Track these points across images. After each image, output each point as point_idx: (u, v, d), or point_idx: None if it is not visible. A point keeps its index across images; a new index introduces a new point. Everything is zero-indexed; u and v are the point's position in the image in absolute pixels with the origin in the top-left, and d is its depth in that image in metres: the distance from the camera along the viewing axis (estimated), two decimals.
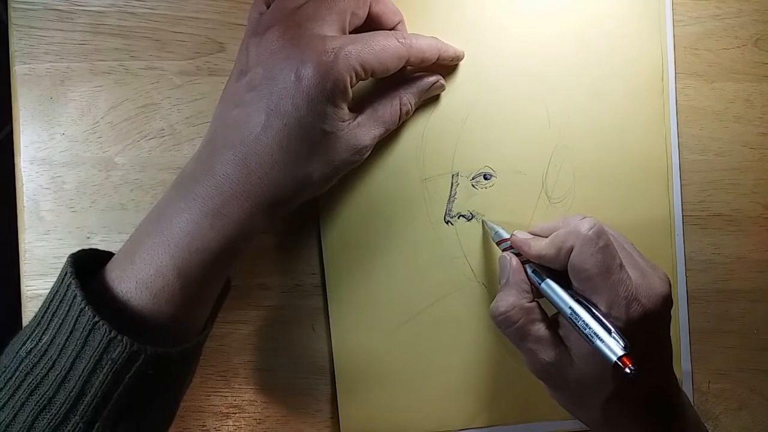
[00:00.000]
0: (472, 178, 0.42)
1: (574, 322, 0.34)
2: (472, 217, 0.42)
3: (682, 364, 0.45)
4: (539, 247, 0.36)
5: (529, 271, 0.37)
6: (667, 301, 0.35)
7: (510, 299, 0.36)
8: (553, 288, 0.36)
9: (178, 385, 0.34)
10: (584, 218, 0.35)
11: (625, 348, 0.32)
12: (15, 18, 0.40)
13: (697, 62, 0.46)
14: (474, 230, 0.42)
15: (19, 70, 0.40)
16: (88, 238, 0.40)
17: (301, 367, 0.42)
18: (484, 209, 0.43)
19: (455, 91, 0.42)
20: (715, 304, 0.46)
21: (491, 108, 0.42)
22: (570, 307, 0.34)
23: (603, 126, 0.44)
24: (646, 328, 0.34)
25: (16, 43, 0.40)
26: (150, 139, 0.41)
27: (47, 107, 0.40)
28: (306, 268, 0.42)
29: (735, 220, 0.46)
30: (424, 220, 0.42)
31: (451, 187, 0.42)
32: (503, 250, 0.40)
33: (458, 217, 0.42)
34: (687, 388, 0.45)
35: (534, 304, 0.37)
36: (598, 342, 0.32)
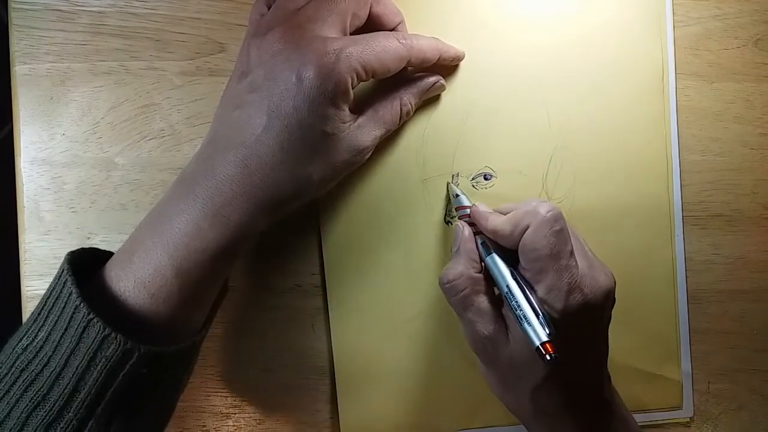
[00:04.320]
0: (473, 179, 0.42)
1: (509, 301, 0.35)
2: None
3: (682, 364, 0.45)
4: (496, 222, 0.37)
5: (479, 242, 0.38)
6: (608, 295, 0.36)
7: (459, 268, 0.37)
8: (496, 263, 0.36)
9: (173, 384, 0.34)
10: (545, 201, 0.36)
11: (549, 335, 0.32)
12: (15, 18, 0.40)
13: (698, 63, 0.46)
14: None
15: (19, 70, 0.40)
16: (88, 238, 0.40)
17: (301, 367, 0.42)
18: None
19: (455, 92, 0.42)
20: (715, 304, 0.46)
21: (491, 108, 0.42)
22: (507, 285, 0.35)
23: (603, 126, 0.44)
24: (583, 320, 0.34)
25: (17, 44, 0.40)
26: (150, 139, 0.41)
27: (47, 107, 0.40)
28: (306, 269, 0.42)
29: (735, 221, 0.46)
30: (424, 220, 0.42)
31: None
32: (459, 218, 0.40)
33: (458, 218, 0.42)
34: (687, 388, 0.45)
35: (481, 275, 0.37)
36: (525, 324, 0.33)
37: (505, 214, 0.37)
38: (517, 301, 0.34)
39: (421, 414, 0.43)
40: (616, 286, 0.37)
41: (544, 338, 0.32)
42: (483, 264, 0.37)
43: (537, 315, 0.33)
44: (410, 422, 0.43)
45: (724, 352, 0.46)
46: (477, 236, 0.38)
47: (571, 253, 0.34)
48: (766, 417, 0.47)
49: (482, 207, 0.39)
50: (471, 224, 0.39)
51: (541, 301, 0.34)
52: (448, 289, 0.37)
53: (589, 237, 0.41)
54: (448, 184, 0.42)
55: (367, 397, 0.42)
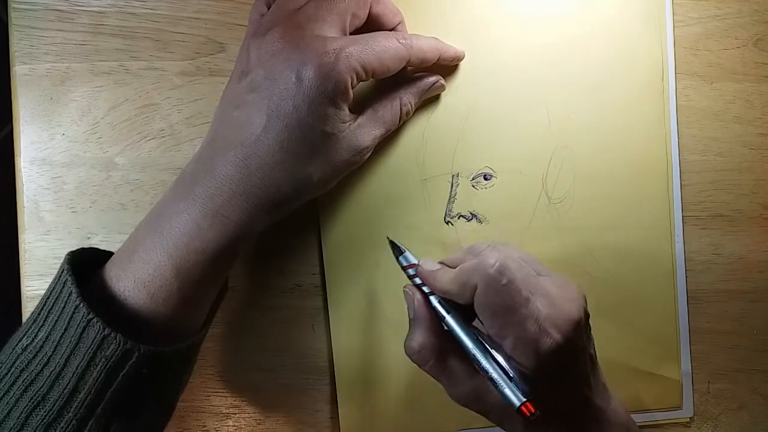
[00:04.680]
0: (473, 179, 0.42)
1: (477, 365, 0.33)
2: (473, 217, 0.42)
3: (682, 364, 0.45)
4: (444, 281, 0.35)
5: (435, 302, 0.36)
6: (578, 324, 0.34)
7: (419, 339, 0.35)
8: (453, 327, 0.35)
9: (173, 384, 0.34)
10: (490, 249, 0.34)
11: (525, 394, 0.32)
12: (15, 18, 0.40)
13: (697, 63, 0.46)
14: (474, 231, 0.42)
15: (19, 70, 0.40)
16: (88, 238, 0.40)
17: (301, 367, 0.42)
18: (485, 210, 0.43)
19: (455, 92, 0.42)
20: (715, 304, 0.46)
21: (491, 108, 0.42)
22: (472, 353, 0.34)
23: (603, 126, 0.44)
24: (560, 358, 0.33)
25: (17, 44, 0.40)
26: (150, 139, 0.41)
27: (47, 107, 0.40)
28: (306, 268, 0.42)
29: (735, 221, 0.46)
30: (424, 220, 0.42)
31: (452, 188, 0.42)
32: (409, 277, 0.37)
33: (458, 218, 0.42)
34: (687, 387, 0.45)
35: (444, 337, 0.35)
36: (501, 388, 0.32)
37: (452, 267, 0.35)
38: (484, 368, 0.33)
39: (421, 414, 0.43)
40: (586, 302, 0.35)
41: (518, 403, 0.31)
42: (443, 324, 0.36)
43: (510, 378, 0.32)
44: (410, 422, 0.43)
45: (724, 352, 0.46)
46: (431, 296, 0.36)
47: (527, 300, 0.32)
48: (766, 417, 0.47)
49: (428, 265, 0.37)
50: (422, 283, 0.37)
51: (509, 358, 0.33)
52: (416, 360, 0.36)
53: (590, 237, 0.41)
54: (388, 239, 0.39)
55: (367, 397, 0.42)
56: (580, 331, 0.34)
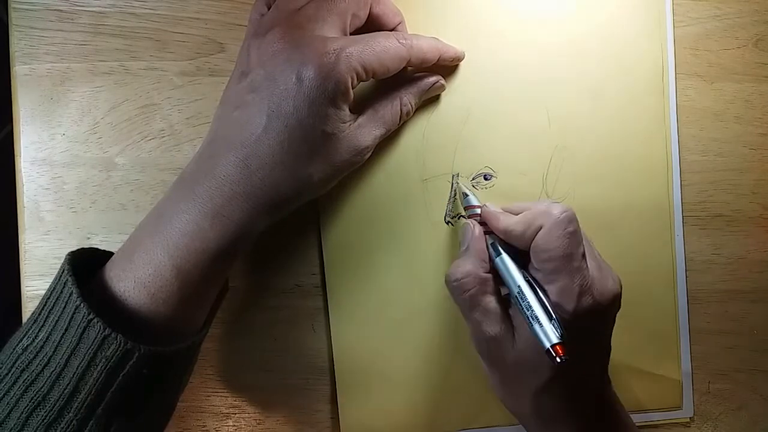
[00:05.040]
0: (473, 179, 0.42)
1: (519, 302, 0.34)
2: None
3: (683, 363, 0.45)
4: (508, 222, 0.36)
5: (488, 242, 0.38)
6: (616, 300, 0.36)
7: (467, 267, 0.36)
8: (506, 264, 0.36)
9: (174, 384, 0.34)
10: (557, 203, 0.36)
11: (561, 337, 0.32)
12: (15, 18, 0.40)
13: (698, 63, 0.46)
14: None
15: (19, 70, 0.40)
16: (88, 238, 0.40)
17: (301, 367, 0.42)
18: None
19: (456, 92, 0.42)
20: (715, 304, 0.46)
21: (492, 108, 0.42)
22: (519, 286, 0.35)
23: (603, 126, 0.44)
24: (592, 323, 0.34)
25: (17, 44, 0.40)
26: (150, 139, 0.41)
27: (47, 108, 0.40)
28: (306, 269, 0.42)
29: (735, 221, 0.46)
30: (424, 220, 0.42)
31: (452, 188, 0.42)
32: (469, 216, 0.40)
33: (458, 218, 0.42)
34: (687, 387, 0.45)
35: (489, 275, 0.37)
36: (537, 326, 0.33)
37: (515, 214, 0.37)
38: (528, 302, 0.34)
39: (422, 414, 0.43)
40: (622, 291, 0.37)
41: (555, 340, 0.32)
42: (491, 264, 0.37)
43: (549, 316, 0.33)
44: (410, 422, 0.43)
45: (724, 352, 0.46)
46: (486, 236, 0.38)
47: (583, 255, 0.34)
48: (766, 417, 0.47)
49: (492, 207, 0.39)
50: (481, 224, 0.39)
51: (551, 303, 0.34)
52: (455, 287, 0.37)
53: (590, 237, 0.41)
54: (457, 183, 0.42)
55: (367, 397, 0.42)
56: (614, 308, 0.36)
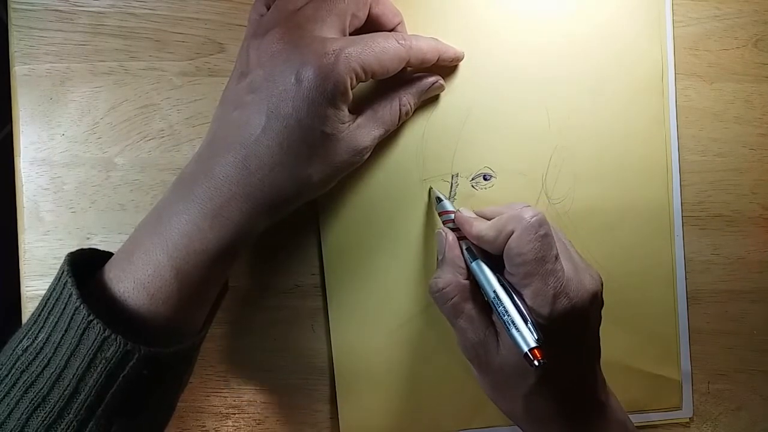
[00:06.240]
0: (472, 179, 0.42)
1: (496, 307, 0.34)
2: None
3: (682, 364, 0.45)
4: (480, 227, 0.36)
5: (464, 248, 0.38)
6: (595, 298, 0.35)
7: (447, 276, 0.37)
8: (482, 269, 0.36)
9: (174, 385, 0.34)
10: (528, 206, 0.36)
11: (538, 341, 0.32)
12: (15, 18, 0.40)
13: (697, 63, 0.46)
14: None
15: (19, 70, 0.40)
16: (88, 238, 0.40)
17: (300, 368, 0.42)
18: None
19: (455, 92, 0.42)
20: (715, 304, 0.46)
21: (491, 108, 0.42)
22: (494, 291, 0.35)
23: (603, 127, 0.44)
24: (571, 324, 0.34)
25: (16, 44, 0.40)
26: (150, 139, 0.41)
27: (47, 108, 0.40)
28: (306, 269, 0.42)
29: (735, 221, 0.46)
30: (423, 220, 0.42)
31: (451, 188, 0.42)
32: (444, 222, 0.40)
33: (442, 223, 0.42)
34: (687, 388, 0.45)
35: (468, 282, 0.37)
36: (514, 331, 0.33)
37: (488, 219, 0.37)
38: (504, 307, 0.34)
39: (421, 414, 0.43)
40: (603, 287, 0.37)
41: (533, 344, 0.32)
42: (469, 270, 0.37)
43: (525, 321, 0.33)
44: (410, 422, 0.43)
45: (724, 352, 0.46)
46: (461, 242, 0.38)
47: (556, 257, 0.34)
48: (766, 417, 0.47)
49: (465, 212, 0.39)
50: (454, 229, 0.39)
51: (527, 307, 0.34)
52: (438, 297, 0.37)
53: (589, 237, 0.41)
54: (430, 189, 0.42)
55: (367, 397, 0.42)
56: (593, 306, 0.36)
